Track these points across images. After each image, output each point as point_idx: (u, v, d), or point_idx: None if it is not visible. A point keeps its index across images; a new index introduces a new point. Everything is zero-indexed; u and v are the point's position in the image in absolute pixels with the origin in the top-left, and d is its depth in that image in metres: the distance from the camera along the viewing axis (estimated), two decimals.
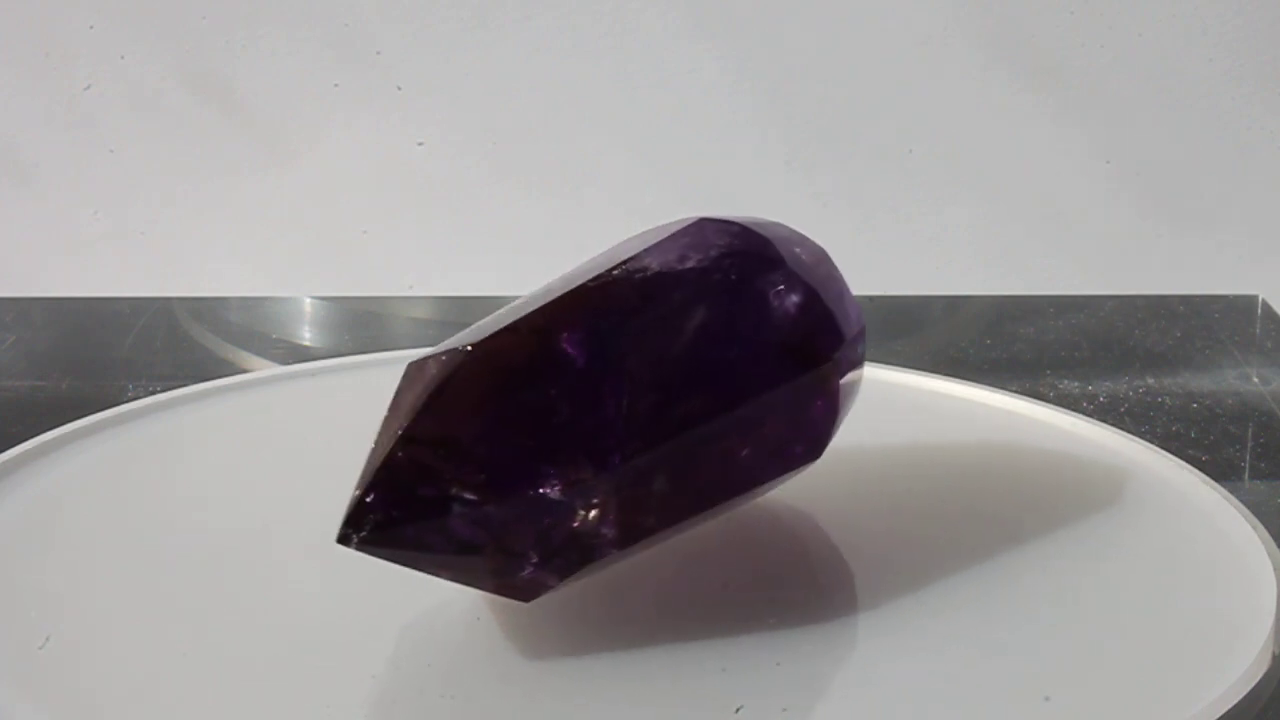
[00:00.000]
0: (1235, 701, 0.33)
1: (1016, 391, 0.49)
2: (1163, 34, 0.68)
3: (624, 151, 0.70)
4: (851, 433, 0.38)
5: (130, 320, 0.62)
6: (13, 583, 0.37)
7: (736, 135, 0.70)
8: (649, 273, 0.35)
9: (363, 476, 0.32)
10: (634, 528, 0.34)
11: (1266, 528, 0.39)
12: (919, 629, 0.35)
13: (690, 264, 0.35)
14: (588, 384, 0.33)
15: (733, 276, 0.35)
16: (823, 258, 0.37)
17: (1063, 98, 0.69)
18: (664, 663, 0.34)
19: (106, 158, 0.70)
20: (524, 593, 0.34)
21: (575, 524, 0.33)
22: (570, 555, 0.33)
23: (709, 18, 0.69)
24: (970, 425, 0.46)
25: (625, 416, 0.33)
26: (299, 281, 0.70)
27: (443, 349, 0.33)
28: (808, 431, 0.36)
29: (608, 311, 0.34)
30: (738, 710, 0.32)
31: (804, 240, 0.37)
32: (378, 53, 0.69)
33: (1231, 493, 0.41)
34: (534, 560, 0.33)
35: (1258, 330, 0.61)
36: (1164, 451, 0.44)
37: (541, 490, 0.32)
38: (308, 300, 0.66)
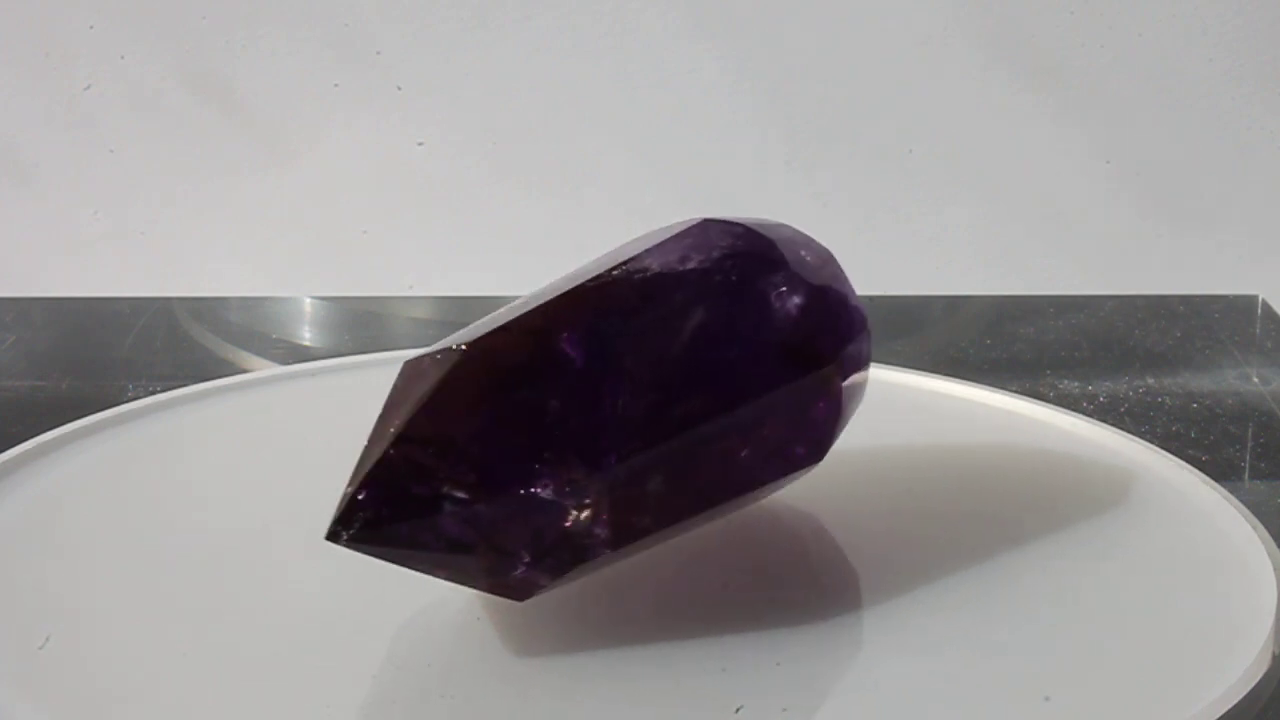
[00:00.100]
0: (1235, 701, 0.33)
1: (1016, 391, 0.49)
2: (1163, 34, 0.68)
3: (624, 151, 0.70)
4: (851, 433, 0.38)
5: (130, 320, 0.62)
6: (13, 583, 0.37)
7: (736, 135, 0.70)
8: (649, 273, 0.35)
9: (355, 474, 0.32)
10: (628, 528, 0.34)
11: (1266, 528, 0.39)
12: (919, 629, 0.35)
13: (691, 265, 0.35)
14: (583, 384, 0.33)
15: (733, 278, 0.35)
16: (828, 259, 0.37)
17: (1063, 98, 0.69)
18: (664, 663, 0.34)
19: (106, 158, 0.70)
20: (517, 592, 0.34)
21: (567, 524, 0.33)
22: (562, 555, 0.33)
23: (709, 18, 0.69)
24: (970, 425, 0.46)
25: (620, 417, 0.33)
26: (299, 281, 0.70)
27: (438, 348, 0.33)
28: (810, 433, 0.36)
29: (605, 312, 0.34)
30: (738, 710, 0.32)
31: (810, 242, 0.37)
32: (378, 53, 0.69)
33: (1231, 493, 0.41)
34: (526, 560, 0.33)
35: (1258, 330, 0.61)
36: (1164, 451, 0.44)
37: (533, 490, 0.32)
38: (308, 300, 0.66)
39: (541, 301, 0.34)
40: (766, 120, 0.70)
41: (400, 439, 0.32)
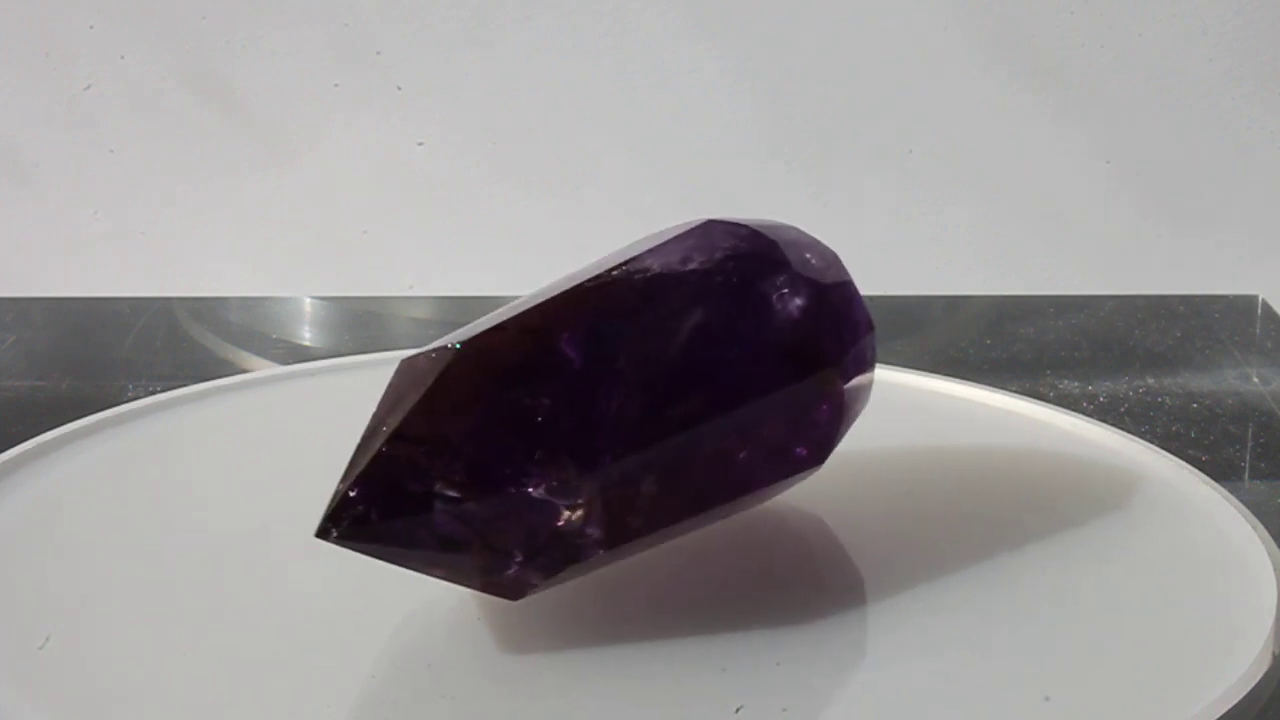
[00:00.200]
0: (1235, 701, 0.33)
1: (1016, 391, 0.49)
2: (1163, 34, 0.68)
3: (624, 151, 0.70)
4: (851, 433, 0.38)
5: (130, 320, 0.62)
6: (13, 583, 0.37)
7: (736, 135, 0.70)
8: (649, 274, 0.35)
9: (347, 472, 0.32)
10: (622, 529, 0.34)
11: (1266, 528, 0.39)
12: (919, 629, 0.35)
13: (693, 265, 0.35)
14: (577, 384, 0.33)
15: (734, 279, 0.35)
16: (833, 262, 0.37)
17: (1063, 98, 0.69)
18: (664, 662, 0.34)
19: (106, 158, 0.70)
20: (510, 591, 0.34)
21: (559, 523, 0.33)
22: (555, 554, 0.33)
23: (709, 18, 0.69)
24: (970, 425, 0.46)
25: (615, 417, 0.33)
26: (299, 281, 0.70)
27: (434, 346, 0.34)
28: (812, 435, 0.36)
29: (602, 312, 0.34)
30: (738, 710, 0.32)
31: (815, 244, 0.37)
32: (378, 53, 0.69)
33: (1231, 493, 0.41)
34: (518, 559, 0.33)
35: (1258, 330, 0.61)
36: (1164, 451, 0.44)
37: (525, 489, 0.32)
38: (308, 300, 0.66)
39: (539, 301, 0.34)
40: (766, 120, 0.70)
41: (393, 437, 0.32)
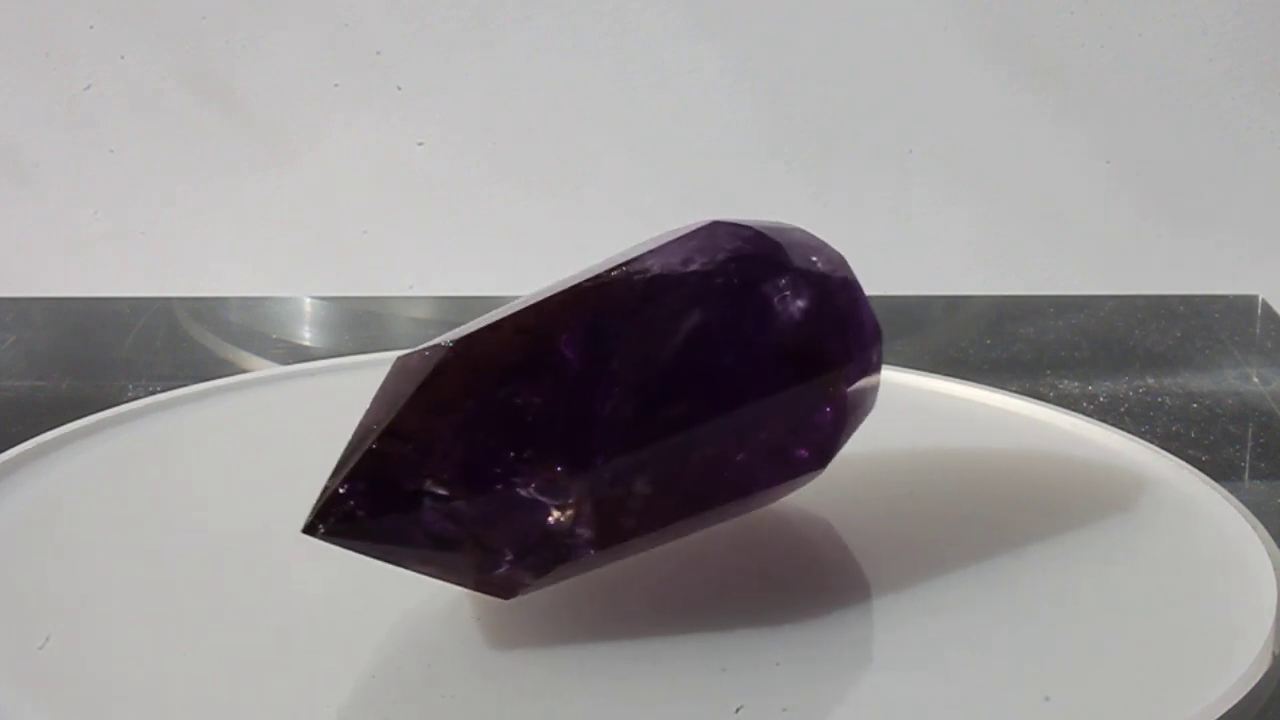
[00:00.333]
0: (1235, 701, 0.33)
1: (1016, 391, 0.49)
2: (1163, 34, 0.68)
3: (624, 151, 0.70)
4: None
5: (130, 320, 0.62)
6: (13, 583, 0.37)
7: (736, 135, 0.70)
8: (649, 274, 0.35)
9: (337, 468, 0.32)
10: (614, 530, 0.34)
11: (1266, 528, 0.39)
12: (918, 629, 0.35)
13: (694, 266, 0.35)
14: (569, 383, 0.33)
15: (735, 280, 0.35)
16: (839, 264, 0.36)
17: (1063, 98, 0.69)
18: (664, 662, 0.34)
19: (106, 158, 0.70)
20: (502, 590, 0.34)
21: (549, 522, 0.33)
22: (545, 554, 0.33)
23: (709, 18, 0.69)
24: (970, 425, 0.46)
25: (607, 417, 0.33)
26: (299, 281, 0.70)
27: (428, 345, 0.34)
28: (813, 438, 0.36)
29: (599, 311, 0.34)
30: (738, 710, 0.32)
31: (822, 247, 0.37)
32: (378, 53, 0.69)
33: (1231, 493, 0.41)
34: (509, 558, 0.33)
35: (1258, 330, 0.61)
36: (1164, 451, 0.44)
37: (513, 488, 0.32)
38: (308, 300, 0.66)
39: (536, 301, 0.34)
40: (766, 120, 0.70)
41: (384, 434, 0.32)
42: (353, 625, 0.35)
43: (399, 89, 0.70)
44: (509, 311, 0.34)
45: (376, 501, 0.32)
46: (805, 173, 0.70)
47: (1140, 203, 0.70)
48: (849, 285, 0.36)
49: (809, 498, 0.39)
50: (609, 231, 0.70)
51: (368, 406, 0.33)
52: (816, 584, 0.38)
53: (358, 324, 0.65)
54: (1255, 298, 0.63)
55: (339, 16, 0.69)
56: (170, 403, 0.47)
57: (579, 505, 0.33)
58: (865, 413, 0.37)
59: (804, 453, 0.36)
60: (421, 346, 0.34)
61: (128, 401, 0.47)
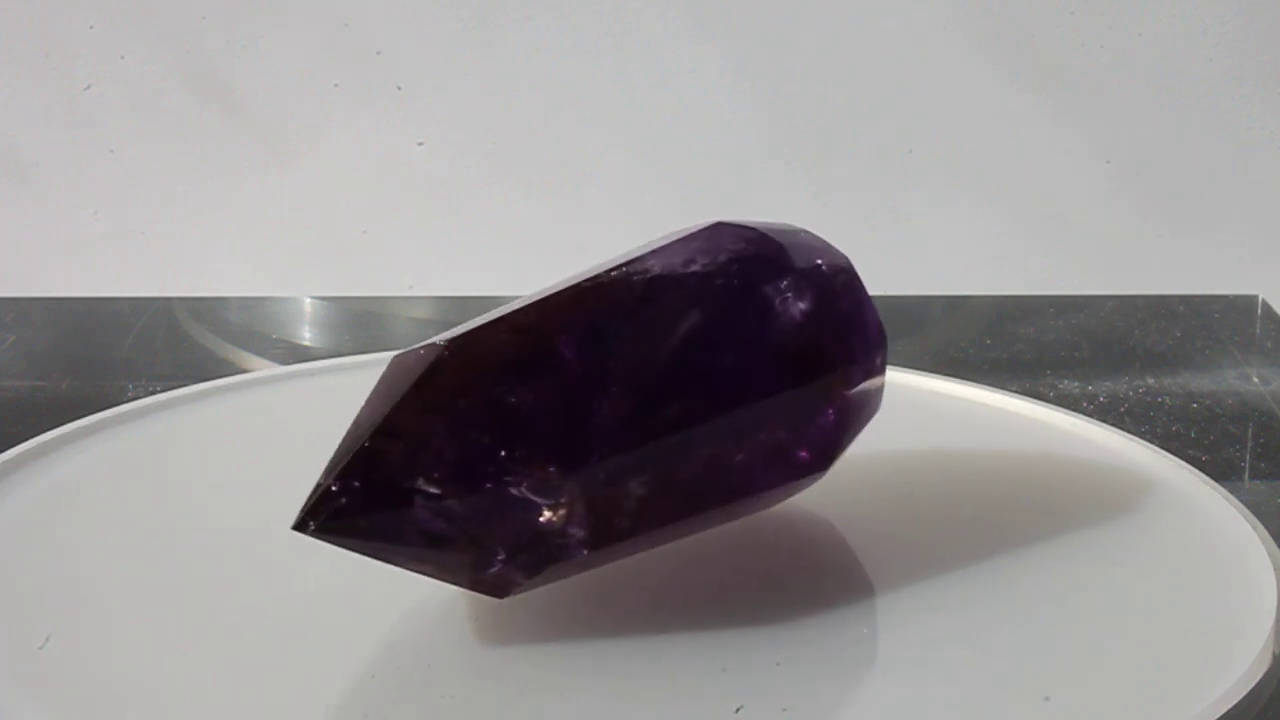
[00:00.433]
0: (1235, 701, 0.33)
1: (1016, 391, 0.49)
2: (1163, 34, 0.68)
3: (624, 151, 0.70)
4: None
5: (130, 320, 0.62)
6: (13, 583, 0.37)
7: (736, 135, 0.70)
8: (649, 275, 0.35)
9: (329, 466, 0.32)
10: (608, 530, 0.34)
11: (1266, 528, 0.39)
12: (918, 628, 0.35)
13: (695, 267, 0.35)
14: (564, 383, 0.33)
15: (736, 281, 0.35)
16: (843, 267, 0.36)
17: (1063, 98, 0.69)
18: (664, 662, 0.34)
19: (106, 158, 0.70)
20: (496, 589, 0.33)
21: (541, 522, 0.33)
22: (538, 553, 0.33)
23: (709, 18, 0.69)
24: (970, 425, 0.46)
25: (604, 417, 0.33)
26: (299, 281, 0.70)
27: (424, 344, 0.34)
28: (814, 440, 0.36)
29: (597, 311, 0.34)
30: (738, 710, 0.32)
31: (827, 249, 0.37)
32: (378, 53, 0.69)
33: (1231, 493, 0.41)
34: (501, 556, 0.33)
35: (1258, 330, 0.61)
36: (1164, 451, 0.44)
37: (505, 487, 0.32)
38: (308, 300, 0.66)
39: (534, 300, 0.34)
40: (766, 120, 0.70)
41: (377, 432, 0.32)
42: (352, 625, 0.35)
43: (399, 89, 0.70)
44: (507, 311, 0.34)
45: (368, 499, 0.32)
46: (805, 173, 0.70)
47: (1140, 203, 0.70)
48: (853, 288, 0.36)
49: (808, 497, 0.39)
50: (609, 231, 0.70)
51: (362, 405, 0.33)
52: (815, 584, 0.38)
53: (358, 324, 0.65)
54: (1255, 298, 0.63)
55: (339, 16, 0.69)
56: (170, 403, 0.47)
57: (571, 505, 0.33)
58: (869, 415, 0.37)
59: (805, 454, 0.36)
60: (417, 345, 0.34)
61: (128, 401, 0.47)
